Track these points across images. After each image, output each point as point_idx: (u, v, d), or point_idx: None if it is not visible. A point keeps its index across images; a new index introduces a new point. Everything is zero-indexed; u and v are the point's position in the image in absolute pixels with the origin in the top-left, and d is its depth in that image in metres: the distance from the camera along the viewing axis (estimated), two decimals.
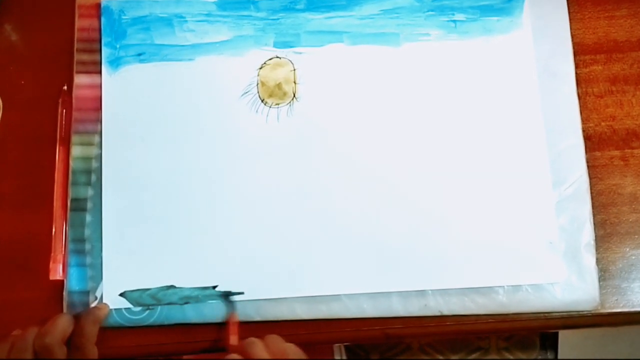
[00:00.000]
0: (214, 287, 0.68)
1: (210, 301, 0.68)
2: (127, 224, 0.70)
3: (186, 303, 0.68)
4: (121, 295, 0.68)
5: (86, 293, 0.68)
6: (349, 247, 0.69)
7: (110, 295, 0.68)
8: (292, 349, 0.63)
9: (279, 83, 0.72)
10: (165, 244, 0.69)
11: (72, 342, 0.63)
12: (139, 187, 0.70)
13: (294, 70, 0.73)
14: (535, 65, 0.71)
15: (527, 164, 0.69)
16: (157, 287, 0.69)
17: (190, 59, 0.73)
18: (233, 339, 0.66)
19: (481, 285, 0.67)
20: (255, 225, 0.70)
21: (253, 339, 0.63)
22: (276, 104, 0.72)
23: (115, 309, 0.68)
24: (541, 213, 0.69)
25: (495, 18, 0.73)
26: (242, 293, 0.68)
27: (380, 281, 0.68)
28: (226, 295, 0.68)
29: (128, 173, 0.71)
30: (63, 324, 0.63)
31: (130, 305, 0.68)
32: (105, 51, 0.73)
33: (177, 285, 0.68)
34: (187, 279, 0.69)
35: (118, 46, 0.73)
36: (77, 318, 0.65)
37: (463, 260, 0.68)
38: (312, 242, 0.69)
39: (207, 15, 0.74)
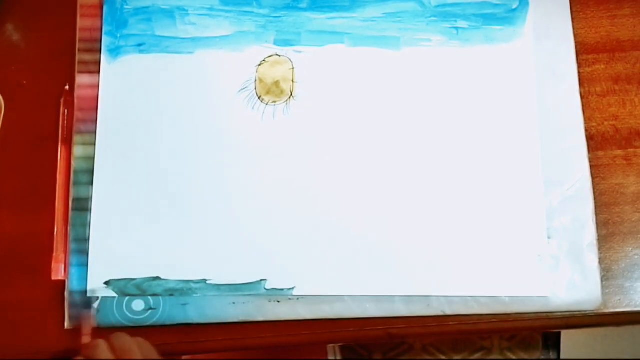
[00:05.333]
0: (202, 280, 0.68)
1: (195, 295, 0.68)
2: (116, 213, 0.70)
3: (171, 295, 0.68)
4: (106, 283, 0.68)
5: (86, 293, 0.68)
6: (344, 248, 0.69)
7: (95, 282, 0.68)
8: (140, 346, 0.61)
9: (277, 81, 0.72)
10: (154, 235, 0.69)
11: None
12: (130, 177, 0.70)
13: (293, 68, 0.73)
14: (535, 74, 0.72)
15: (519, 175, 0.70)
16: (143, 278, 0.68)
17: (189, 52, 0.73)
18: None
19: (477, 294, 0.67)
20: (247, 223, 0.69)
21: (97, 340, 0.61)
22: (273, 102, 0.72)
23: (117, 309, 0.68)
24: (531, 225, 0.69)
25: (498, 27, 0.73)
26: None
27: (383, 284, 0.68)
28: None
29: (120, 162, 0.71)
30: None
31: (114, 294, 0.68)
32: (105, 39, 0.73)
33: (162, 277, 0.68)
34: (174, 272, 0.68)
35: (119, 35, 0.73)
36: None
37: (463, 268, 0.68)
38: (305, 241, 0.69)
39: (209, 9, 0.74)
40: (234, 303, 0.68)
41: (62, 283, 0.68)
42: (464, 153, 0.70)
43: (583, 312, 0.67)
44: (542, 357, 1.04)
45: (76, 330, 0.67)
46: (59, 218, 0.70)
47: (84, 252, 0.69)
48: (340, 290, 0.68)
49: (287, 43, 0.73)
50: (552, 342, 1.00)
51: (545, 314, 0.68)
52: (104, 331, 0.67)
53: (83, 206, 0.70)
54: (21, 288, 0.69)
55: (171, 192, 0.70)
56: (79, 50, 0.73)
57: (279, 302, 0.68)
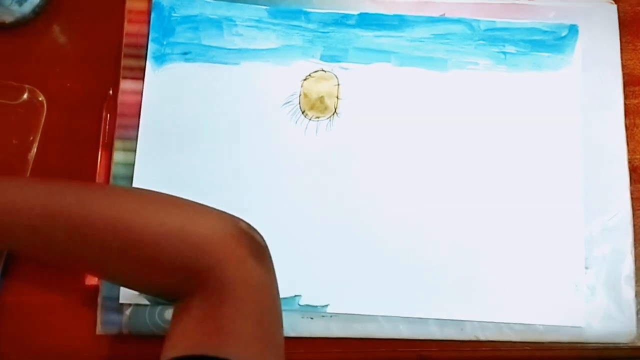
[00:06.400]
0: None
1: None
2: None
3: None
4: None
5: (118, 299, 0.68)
6: (380, 268, 0.68)
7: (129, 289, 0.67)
8: None
9: (322, 96, 0.72)
10: None
11: None
12: (168, 187, 0.68)
13: (338, 85, 0.72)
14: (581, 102, 0.72)
15: (560, 202, 0.70)
16: None
17: (235, 63, 0.73)
18: None
19: (511, 321, 0.67)
20: (284, 238, 0.69)
21: None
22: (316, 117, 0.72)
23: (149, 317, 0.67)
24: (570, 254, 0.69)
25: (546, 54, 0.73)
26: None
27: (417, 306, 0.67)
28: None
29: (160, 171, 0.70)
30: None
31: (147, 302, 0.67)
32: (151, 46, 0.73)
33: None
34: None
35: (165, 43, 0.73)
36: None
37: (498, 294, 0.68)
38: (342, 259, 0.68)
39: (257, 21, 0.74)
40: None
41: (96, 288, 0.68)
42: (505, 178, 0.70)
43: (617, 344, 0.67)
44: None
45: (107, 336, 0.67)
46: None
47: None
48: (374, 310, 0.67)
49: (333, 59, 0.73)
50: None
51: (579, 344, 0.67)
52: (135, 338, 0.67)
53: None
54: (55, 290, 0.69)
55: (210, 204, 0.70)
56: (124, 55, 0.73)
57: (312, 318, 0.68)
